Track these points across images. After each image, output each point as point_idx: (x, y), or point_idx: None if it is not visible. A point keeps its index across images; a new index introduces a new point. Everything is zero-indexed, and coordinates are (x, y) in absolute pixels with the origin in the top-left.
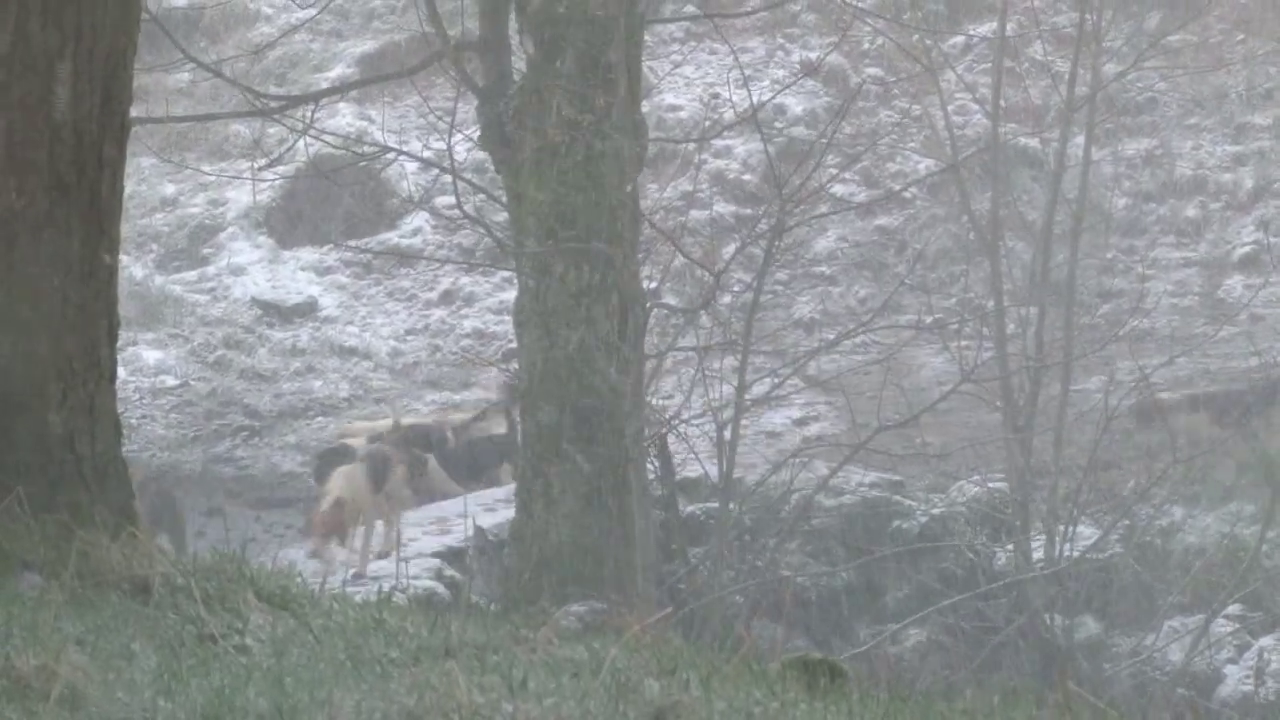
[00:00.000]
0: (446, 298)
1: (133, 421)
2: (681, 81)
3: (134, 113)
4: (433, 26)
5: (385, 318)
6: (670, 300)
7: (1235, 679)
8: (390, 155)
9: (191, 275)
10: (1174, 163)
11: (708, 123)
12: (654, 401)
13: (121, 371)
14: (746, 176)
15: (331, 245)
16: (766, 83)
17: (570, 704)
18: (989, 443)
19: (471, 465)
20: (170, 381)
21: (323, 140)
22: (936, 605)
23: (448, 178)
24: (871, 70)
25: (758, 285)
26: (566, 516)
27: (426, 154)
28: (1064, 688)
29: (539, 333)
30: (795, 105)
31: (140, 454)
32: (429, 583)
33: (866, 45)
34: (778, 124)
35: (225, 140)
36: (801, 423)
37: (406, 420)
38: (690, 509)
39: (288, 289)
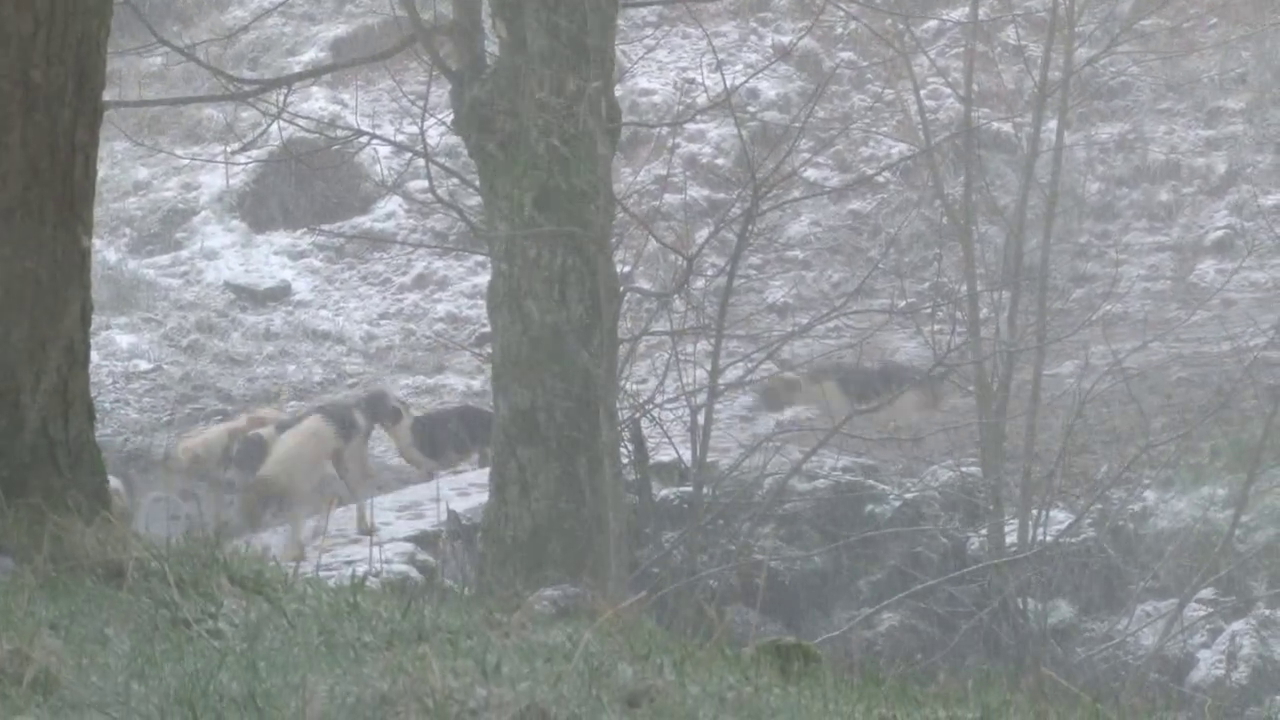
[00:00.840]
0: (420, 282)
1: (106, 406)
2: (655, 66)
3: (107, 96)
4: (405, 10)
5: (358, 302)
6: (644, 284)
7: (1208, 663)
8: (363, 139)
9: (164, 259)
10: (1147, 147)
11: (681, 107)
12: (628, 386)
13: (95, 356)
14: (720, 161)
15: (305, 229)
16: (740, 67)
17: (544, 688)
18: (962, 427)
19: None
20: (143, 366)
21: (296, 124)
22: (910, 590)
23: (421, 162)
24: (844, 55)
25: (731, 270)
26: (540, 500)
27: (400, 138)
28: (1037, 672)
29: (512, 317)
30: (768, 89)
31: (114, 438)
32: (402, 567)
33: (840, 30)
34: (751, 108)
35: (198, 124)
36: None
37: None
38: (664, 493)
39: (261, 273)
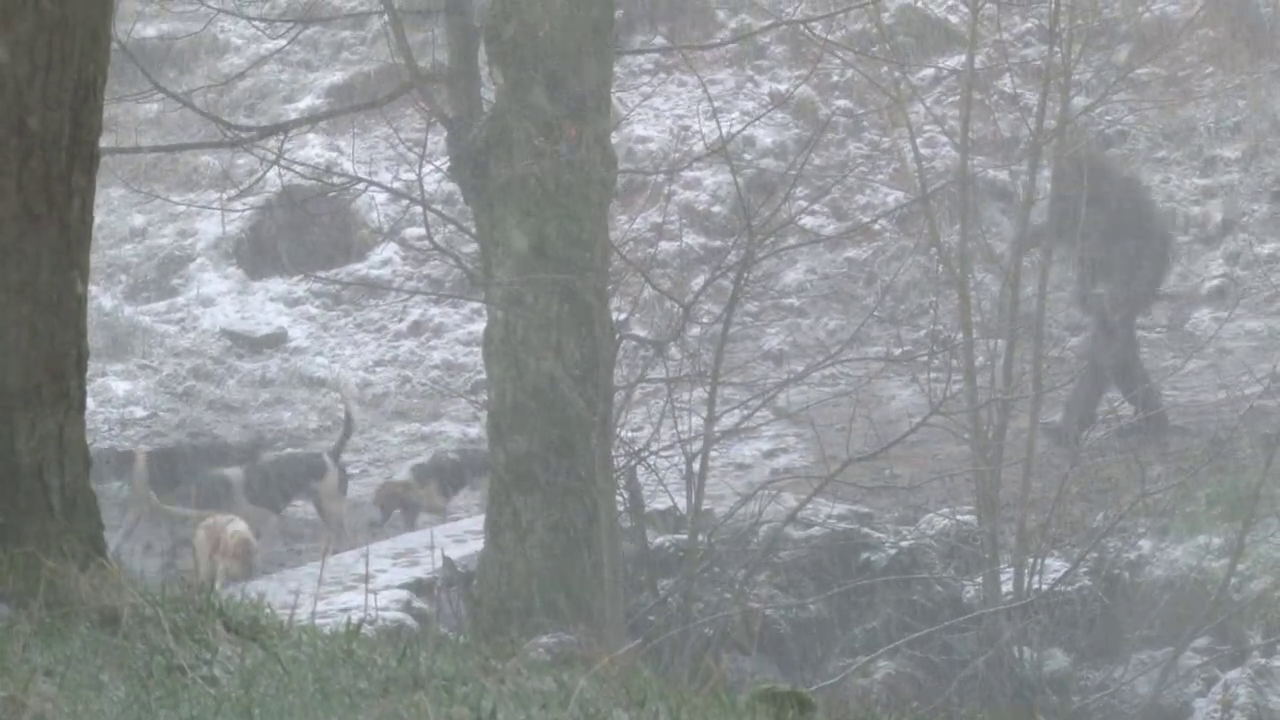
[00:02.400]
0: (416, 329)
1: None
2: (651, 113)
3: (103, 143)
4: (402, 58)
5: (354, 348)
6: (640, 332)
7: (1203, 712)
8: (360, 186)
9: (160, 306)
10: None
11: (677, 154)
12: (623, 433)
13: (90, 402)
14: (716, 208)
15: (301, 276)
16: (736, 114)
17: None
18: (958, 475)
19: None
20: (139, 412)
21: (292, 171)
22: (905, 638)
23: (417, 209)
24: (841, 102)
25: (727, 317)
26: (535, 548)
27: (396, 185)
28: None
29: (508, 363)
30: (764, 137)
31: (109, 485)
32: (398, 614)
33: (836, 77)
34: (747, 155)
35: (194, 171)
36: (771, 454)
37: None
38: (659, 540)
39: (257, 320)
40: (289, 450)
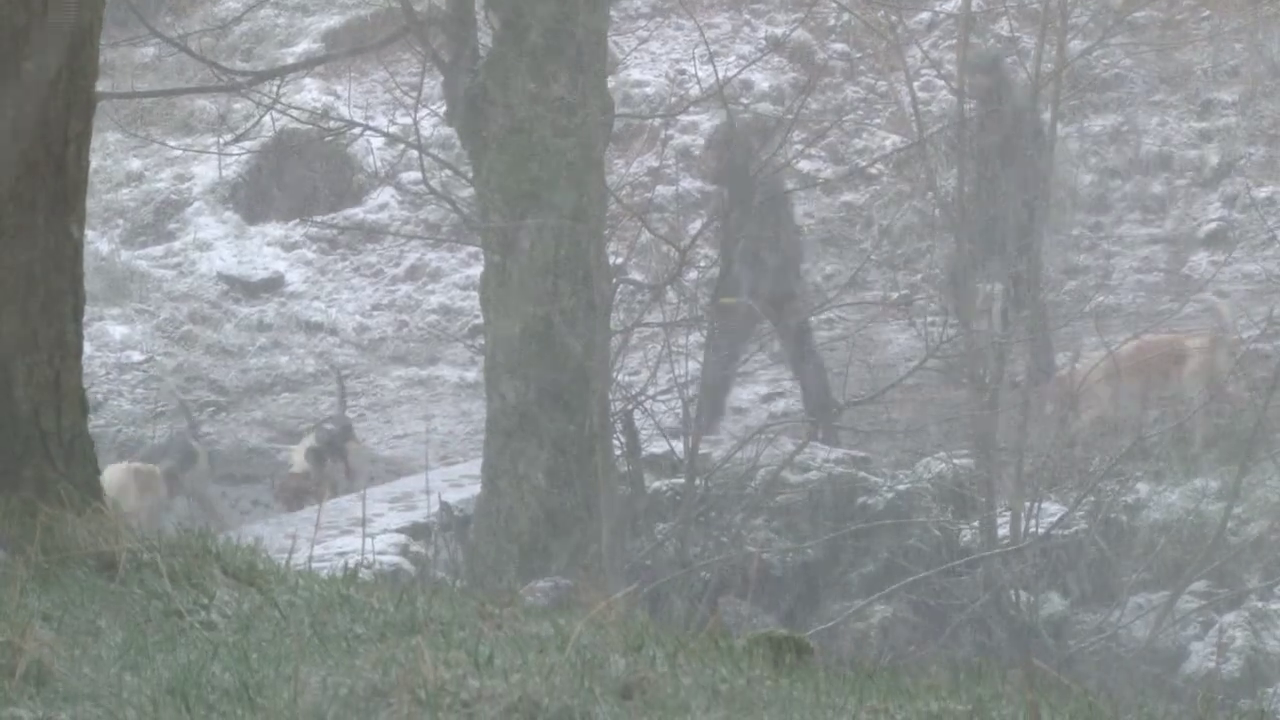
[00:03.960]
0: (413, 273)
1: (99, 397)
2: (647, 57)
3: (100, 87)
4: (398, 2)
5: (351, 293)
6: (637, 276)
7: (1200, 655)
8: (356, 130)
9: (157, 251)
10: (1140, 139)
11: (674, 99)
12: (620, 377)
13: (88, 347)
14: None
15: (297, 221)
16: (732, 58)
17: (536, 680)
18: (954, 419)
19: None
20: (136, 357)
21: (289, 115)
22: (902, 582)
23: (414, 153)
24: (837, 46)
25: (724, 261)
26: (532, 492)
27: (393, 129)
28: (1029, 664)
29: (505, 308)
30: (761, 81)
31: (107, 429)
32: (395, 559)
33: (833, 21)
34: (744, 100)
35: (191, 115)
36: (768, 399)
37: None
38: (656, 485)
39: (254, 264)
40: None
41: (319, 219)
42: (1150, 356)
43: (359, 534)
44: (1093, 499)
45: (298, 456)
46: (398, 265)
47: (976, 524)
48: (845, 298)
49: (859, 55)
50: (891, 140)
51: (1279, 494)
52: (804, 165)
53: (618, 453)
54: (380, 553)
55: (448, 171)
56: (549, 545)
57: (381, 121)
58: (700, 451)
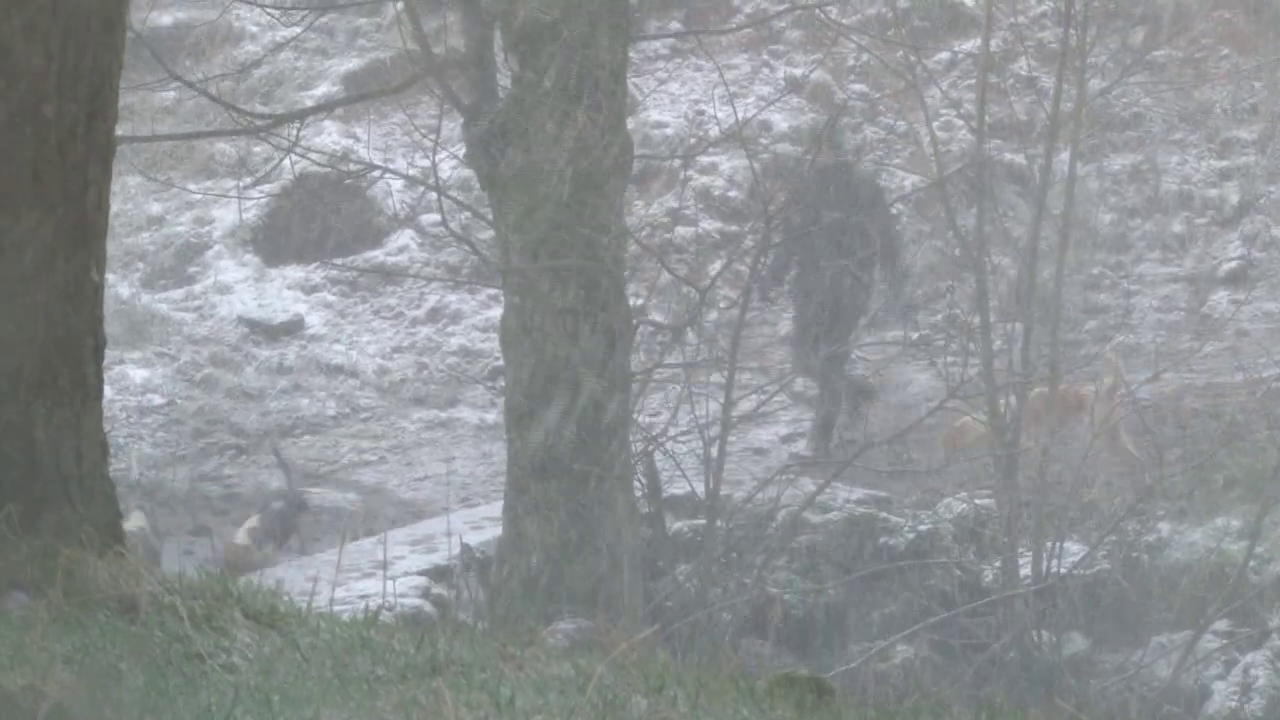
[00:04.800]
0: (433, 315)
1: (120, 440)
2: (667, 98)
3: (120, 131)
4: (417, 44)
5: (372, 335)
6: (656, 317)
7: (1223, 695)
8: (376, 173)
9: (178, 294)
10: (1159, 178)
11: (693, 139)
12: (640, 419)
13: (108, 390)
14: (732, 193)
15: (318, 263)
16: (752, 99)
17: None
18: (976, 459)
19: None
20: (157, 400)
21: (308, 158)
22: (924, 622)
23: (433, 195)
24: (856, 86)
25: (743, 302)
26: (553, 534)
27: (412, 171)
28: (1051, 703)
29: (525, 350)
30: (780, 121)
31: (127, 472)
32: (416, 601)
33: (851, 61)
34: (763, 140)
35: (211, 159)
36: (788, 439)
37: None
38: (677, 526)
39: (274, 307)
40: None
41: (339, 261)
42: (1045, 405)
43: (380, 576)
44: (1114, 538)
45: (241, 532)
46: (418, 307)
47: (998, 564)
48: (865, 337)
49: (878, 95)
50: (911, 180)
51: None
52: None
53: (638, 494)
54: (401, 595)
55: (467, 213)
56: (570, 586)
57: (401, 164)
58: (721, 492)
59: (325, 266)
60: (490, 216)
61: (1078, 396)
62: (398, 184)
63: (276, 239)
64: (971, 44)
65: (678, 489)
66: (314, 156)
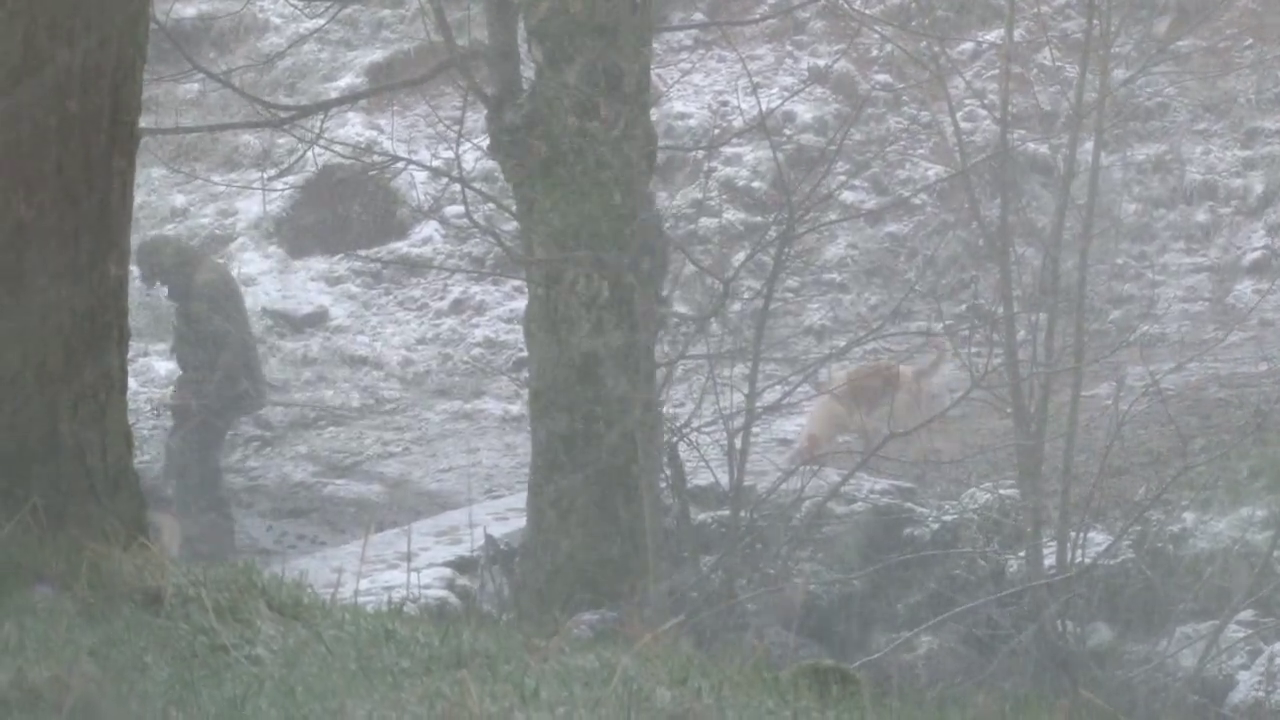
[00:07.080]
0: (457, 307)
1: (144, 433)
2: (690, 89)
3: (143, 123)
4: (441, 36)
5: (396, 327)
6: (680, 308)
7: (1248, 685)
8: (400, 164)
9: None
10: (1184, 168)
11: (717, 130)
12: (665, 410)
13: (132, 382)
14: (756, 184)
15: (342, 255)
16: (775, 90)
17: (582, 713)
18: (1000, 449)
19: None
20: None
21: (332, 150)
22: (949, 613)
23: (457, 187)
24: (880, 77)
25: (768, 293)
26: (578, 525)
27: (436, 163)
28: (1075, 694)
29: (549, 341)
30: (804, 112)
31: (152, 465)
32: (440, 592)
33: (875, 52)
34: (787, 131)
35: (235, 150)
36: None
37: None
38: (702, 517)
39: (298, 299)
40: None
41: (363, 253)
42: (862, 383)
43: (405, 568)
44: (1139, 528)
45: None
46: (442, 299)
47: (1023, 554)
48: (889, 328)
49: (902, 85)
50: (935, 170)
51: None
52: (847, 196)
53: (663, 485)
54: (426, 587)
55: (491, 205)
56: (594, 578)
57: (425, 155)
58: (745, 483)
59: (349, 258)
60: (514, 208)
61: (894, 374)
62: (421, 176)
63: (300, 231)
64: (995, 34)
65: (702, 480)
66: (338, 148)
